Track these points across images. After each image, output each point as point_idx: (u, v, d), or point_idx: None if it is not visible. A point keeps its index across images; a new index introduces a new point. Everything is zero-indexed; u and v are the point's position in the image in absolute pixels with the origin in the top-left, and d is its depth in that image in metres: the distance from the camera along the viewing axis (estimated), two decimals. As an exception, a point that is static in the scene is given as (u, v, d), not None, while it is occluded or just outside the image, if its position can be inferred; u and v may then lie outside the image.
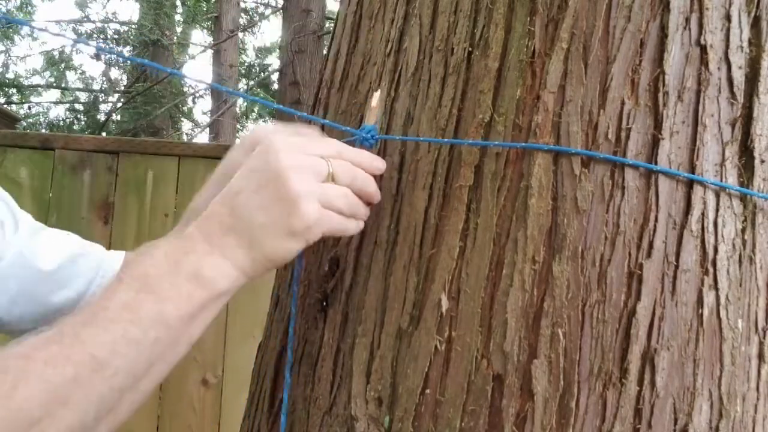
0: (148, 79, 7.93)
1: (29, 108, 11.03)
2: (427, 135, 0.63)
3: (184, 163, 2.16)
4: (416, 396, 0.57)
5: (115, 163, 2.14)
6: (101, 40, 8.93)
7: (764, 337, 0.57)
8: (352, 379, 0.61)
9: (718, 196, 0.57)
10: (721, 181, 0.56)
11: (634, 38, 0.57)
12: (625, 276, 0.55)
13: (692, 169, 0.56)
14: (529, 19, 0.60)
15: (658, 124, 0.56)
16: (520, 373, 0.54)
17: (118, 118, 9.13)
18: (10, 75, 10.53)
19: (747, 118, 0.58)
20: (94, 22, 9.67)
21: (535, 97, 0.58)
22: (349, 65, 0.76)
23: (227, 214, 0.56)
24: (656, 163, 0.56)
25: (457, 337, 0.57)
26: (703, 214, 0.56)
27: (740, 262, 0.57)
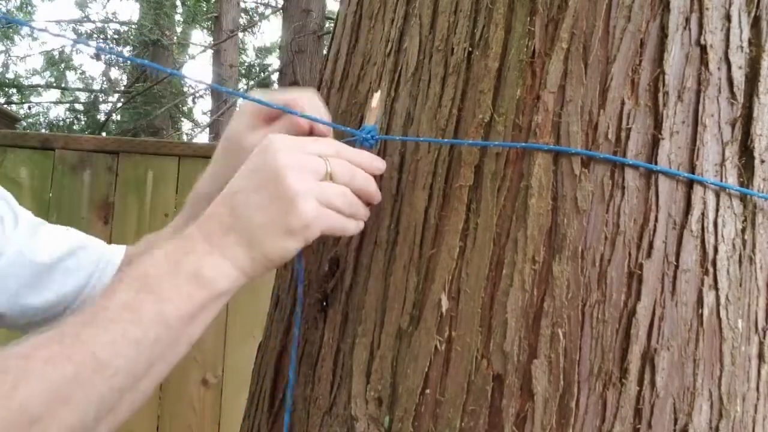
0: (148, 79, 7.93)
1: (29, 108, 11.03)
2: (427, 135, 0.63)
3: (184, 163, 2.16)
4: (416, 396, 0.57)
5: (115, 163, 2.14)
6: (101, 40, 8.93)
7: (764, 337, 0.57)
8: (352, 379, 0.61)
9: (718, 196, 0.57)
10: (721, 181, 0.56)
11: (634, 38, 0.57)
12: (625, 276, 0.55)
13: (692, 169, 0.56)
14: (529, 19, 0.60)
15: (658, 124, 0.56)
16: (520, 373, 0.54)
17: (118, 118, 9.13)
18: (10, 75, 10.53)
19: (747, 118, 0.58)
20: (94, 22, 9.68)
21: (535, 97, 0.58)
22: (349, 65, 0.76)
23: (227, 213, 0.56)
24: (656, 163, 0.56)
25: (457, 337, 0.57)
26: (703, 214, 0.56)
27: (740, 262, 0.57)
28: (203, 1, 9.98)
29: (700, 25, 0.58)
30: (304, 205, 0.55)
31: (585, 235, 0.55)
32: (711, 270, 0.55)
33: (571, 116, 0.57)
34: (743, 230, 0.57)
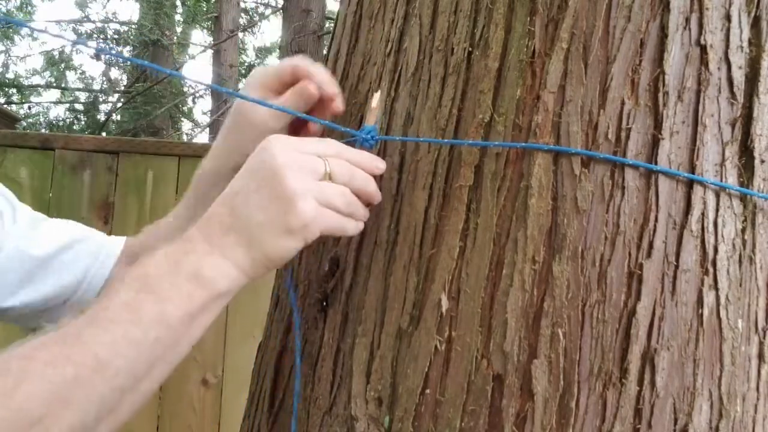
0: (148, 79, 7.93)
1: (29, 108, 11.03)
2: (427, 135, 0.63)
3: (184, 163, 2.16)
4: (416, 396, 0.57)
5: (115, 163, 2.14)
6: (101, 40, 8.93)
7: (764, 337, 0.57)
8: (352, 379, 0.61)
9: (718, 196, 0.57)
10: (721, 181, 0.56)
11: (634, 38, 0.57)
12: (625, 276, 0.55)
13: (692, 169, 0.56)
14: (529, 19, 0.60)
15: (658, 124, 0.56)
16: (520, 373, 0.54)
17: (118, 118, 9.13)
18: (10, 75, 10.53)
19: (747, 118, 0.58)
20: (94, 22, 9.67)
21: (535, 97, 0.58)
22: (349, 65, 0.76)
23: (227, 214, 0.56)
24: (656, 163, 0.56)
25: (457, 337, 0.57)
26: (703, 214, 0.56)
27: (740, 262, 0.57)
28: (203, 1, 9.98)
29: (700, 25, 0.58)
30: (303, 204, 0.55)
31: (585, 235, 0.55)
32: (711, 270, 0.55)
33: (571, 116, 0.57)
34: (743, 230, 0.57)
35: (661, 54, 0.57)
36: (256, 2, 10.13)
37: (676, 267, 0.55)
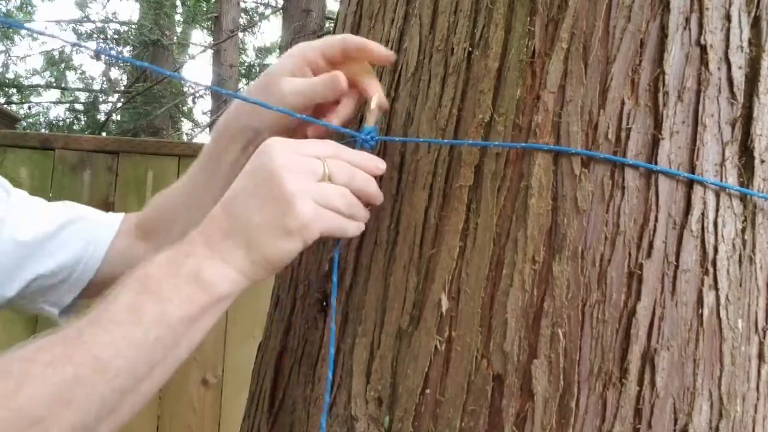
0: (148, 79, 7.92)
1: (29, 108, 11.03)
2: (427, 135, 0.63)
3: (184, 163, 2.16)
4: (416, 396, 0.57)
5: (115, 163, 2.14)
6: (101, 40, 8.93)
7: (764, 337, 0.57)
8: (352, 379, 0.61)
9: (718, 196, 0.57)
10: (721, 181, 0.56)
11: (634, 38, 0.57)
12: (625, 276, 0.55)
13: (692, 169, 0.56)
14: (529, 19, 0.60)
15: (658, 124, 0.56)
16: (520, 373, 0.54)
17: (118, 118, 9.13)
18: (10, 75, 10.53)
19: (747, 118, 0.58)
20: (94, 22, 9.67)
21: (535, 97, 0.58)
22: (349, 65, 0.76)
23: (226, 217, 0.57)
24: (656, 163, 0.56)
25: (457, 337, 0.57)
26: (703, 214, 0.56)
27: (740, 262, 0.57)
28: (203, 1, 9.98)
29: (700, 25, 0.58)
30: (302, 205, 0.55)
31: (585, 235, 0.55)
32: (711, 270, 0.55)
33: (571, 116, 0.57)
34: (743, 230, 0.57)
35: (661, 54, 0.57)
36: (256, 2, 10.13)
37: (676, 267, 0.55)
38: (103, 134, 8.51)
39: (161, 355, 0.53)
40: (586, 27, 0.58)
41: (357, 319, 0.63)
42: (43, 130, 10.00)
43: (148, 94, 7.91)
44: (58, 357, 0.49)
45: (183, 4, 10.07)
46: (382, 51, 0.66)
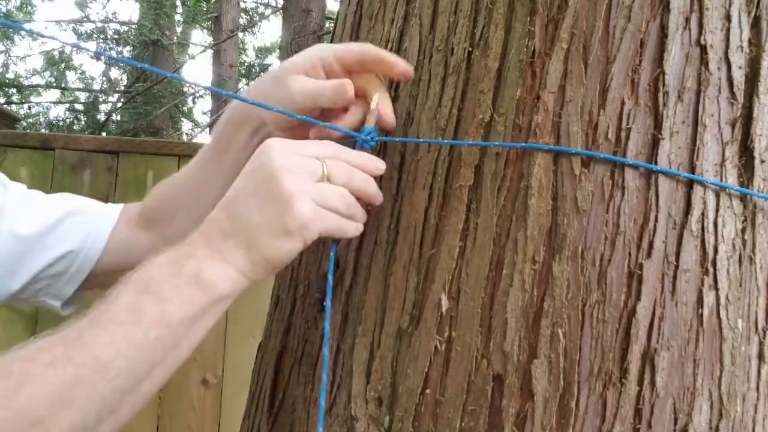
0: (148, 79, 7.92)
1: (29, 108, 11.03)
2: (427, 135, 0.63)
3: (184, 163, 2.14)
4: (416, 396, 0.57)
5: (115, 163, 2.14)
6: (101, 40, 8.93)
7: (764, 337, 0.57)
8: (352, 379, 0.61)
9: (718, 196, 0.57)
10: (721, 181, 0.56)
11: (634, 38, 0.57)
12: (625, 276, 0.55)
13: (692, 169, 0.56)
14: (529, 19, 0.60)
15: (658, 124, 0.56)
16: (520, 373, 0.54)
17: (118, 118, 9.13)
18: (10, 75, 10.53)
19: (747, 118, 0.58)
20: (94, 22, 9.67)
21: (535, 97, 0.58)
22: (349, 65, 0.76)
23: (226, 217, 0.57)
24: (656, 163, 0.56)
25: (457, 337, 0.57)
26: (703, 214, 0.56)
27: (740, 262, 0.57)
28: (203, 1, 9.98)
29: (700, 25, 0.58)
30: (300, 205, 0.55)
31: (585, 235, 0.55)
32: (711, 270, 0.55)
33: (571, 116, 0.57)
34: (743, 230, 0.57)
35: (661, 54, 0.57)
36: (256, 2, 10.14)
37: (676, 267, 0.55)
38: (103, 134, 8.52)
39: (161, 355, 0.53)
40: (586, 27, 0.58)
41: (357, 319, 0.63)
42: (43, 130, 10.00)
43: (148, 94, 7.91)
44: (58, 357, 0.49)
45: (183, 4, 10.07)
46: (401, 65, 0.65)
